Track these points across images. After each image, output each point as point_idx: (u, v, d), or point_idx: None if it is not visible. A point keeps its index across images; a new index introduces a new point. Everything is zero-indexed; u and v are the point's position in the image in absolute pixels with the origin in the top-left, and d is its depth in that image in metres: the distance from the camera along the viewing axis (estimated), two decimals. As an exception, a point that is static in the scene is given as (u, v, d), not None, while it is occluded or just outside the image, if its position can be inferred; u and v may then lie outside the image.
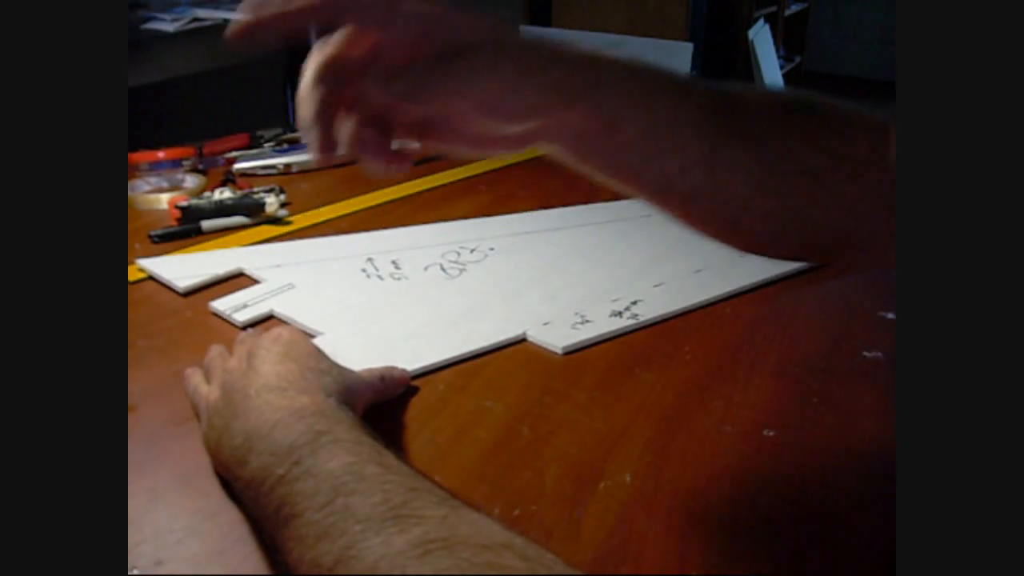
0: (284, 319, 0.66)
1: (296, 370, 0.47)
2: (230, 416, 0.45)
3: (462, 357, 0.61)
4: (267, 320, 0.66)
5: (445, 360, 0.60)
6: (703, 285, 0.72)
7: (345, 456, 0.39)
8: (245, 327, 0.65)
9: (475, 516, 0.36)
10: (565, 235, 0.82)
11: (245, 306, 0.67)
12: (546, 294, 0.70)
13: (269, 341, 0.50)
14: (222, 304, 0.67)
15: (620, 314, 0.67)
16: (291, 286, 0.70)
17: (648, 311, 0.67)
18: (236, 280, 0.73)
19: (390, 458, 0.40)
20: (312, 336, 0.62)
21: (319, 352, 0.51)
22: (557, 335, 0.64)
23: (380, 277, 0.73)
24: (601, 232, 0.83)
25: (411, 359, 0.59)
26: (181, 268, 0.73)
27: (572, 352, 0.62)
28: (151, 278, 0.73)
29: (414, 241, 0.81)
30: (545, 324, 0.65)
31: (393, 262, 0.76)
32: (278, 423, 0.42)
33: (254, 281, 0.72)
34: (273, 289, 0.70)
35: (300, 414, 0.43)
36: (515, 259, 0.77)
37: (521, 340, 0.64)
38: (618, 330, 0.65)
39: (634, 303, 0.69)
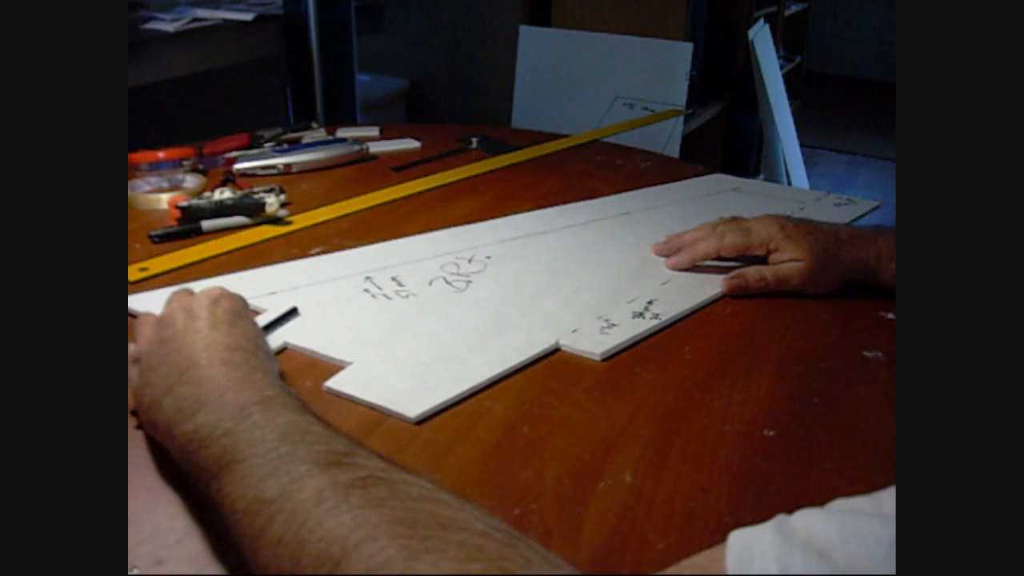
0: (301, 351, 0.61)
1: (244, 341, 0.48)
2: (175, 380, 0.46)
3: (505, 373, 0.59)
4: (282, 351, 0.62)
5: (491, 378, 0.58)
6: (707, 280, 0.72)
7: (292, 415, 0.42)
8: None
9: (412, 476, 0.38)
10: (555, 238, 0.82)
11: None
12: (561, 301, 0.69)
13: (209, 303, 0.51)
14: None
15: (642, 315, 0.66)
16: (296, 313, 0.65)
17: (667, 310, 0.67)
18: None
19: (330, 426, 0.43)
20: (341, 366, 0.59)
21: (254, 320, 0.53)
22: (591, 342, 0.62)
23: (386, 296, 0.69)
24: (587, 233, 0.83)
25: (454, 382, 0.57)
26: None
27: (610, 357, 0.62)
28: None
29: (406, 255, 0.77)
30: (574, 331, 0.64)
31: (393, 279, 0.72)
32: (229, 389, 0.44)
33: (252, 311, 0.67)
34: (277, 318, 0.65)
35: (251, 382, 0.44)
36: (515, 267, 0.75)
37: (555, 350, 0.62)
38: (645, 331, 0.65)
39: (650, 303, 0.69)
